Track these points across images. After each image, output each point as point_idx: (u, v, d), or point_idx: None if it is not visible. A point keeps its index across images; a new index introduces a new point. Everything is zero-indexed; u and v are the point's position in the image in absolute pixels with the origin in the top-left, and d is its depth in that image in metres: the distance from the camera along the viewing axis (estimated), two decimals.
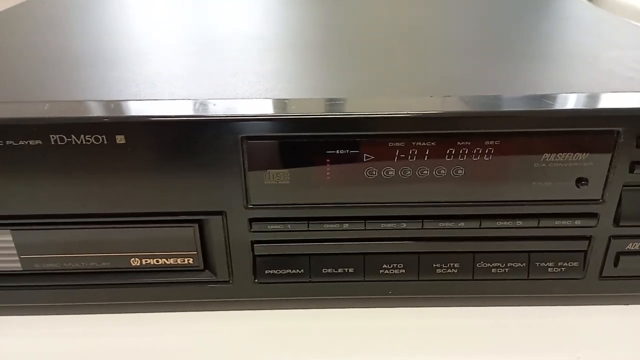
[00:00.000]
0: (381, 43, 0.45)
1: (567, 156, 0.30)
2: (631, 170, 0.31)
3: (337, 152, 0.30)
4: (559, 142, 0.30)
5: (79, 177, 0.30)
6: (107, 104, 0.30)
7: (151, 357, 0.32)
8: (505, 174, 0.31)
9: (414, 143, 0.30)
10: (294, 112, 0.29)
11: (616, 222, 0.33)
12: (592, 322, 0.35)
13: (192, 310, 0.35)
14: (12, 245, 0.33)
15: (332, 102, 0.31)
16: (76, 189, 0.31)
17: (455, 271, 0.34)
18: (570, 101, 0.31)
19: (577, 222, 0.33)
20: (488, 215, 0.32)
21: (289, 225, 0.33)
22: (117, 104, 0.30)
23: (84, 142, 0.29)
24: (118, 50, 0.41)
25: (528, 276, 0.34)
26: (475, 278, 0.34)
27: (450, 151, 0.30)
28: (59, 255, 0.33)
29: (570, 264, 0.34)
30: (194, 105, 0.30)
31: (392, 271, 0.34)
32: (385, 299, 0.36)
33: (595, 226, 0.33)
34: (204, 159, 0.30)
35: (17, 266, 0.33)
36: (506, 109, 0.30)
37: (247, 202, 0.32)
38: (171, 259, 0.34)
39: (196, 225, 0.32)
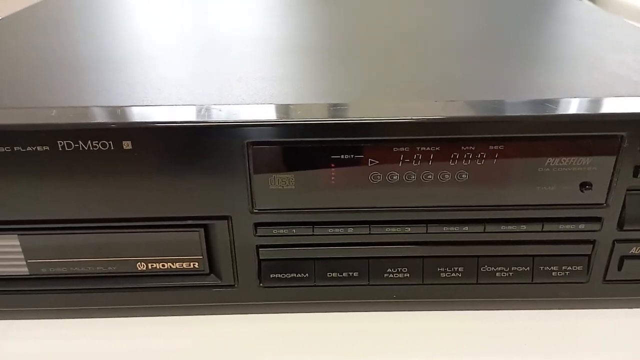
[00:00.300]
0: (385, 45, 0.45)
1: (571, 160, 0.30)
2: (635, 175, 0.31)
3: (342, 157, 0.30)
4: (562, 147, 0.30)
5: (86, 182, 0.31)
6: (113, 109, 0.31)
7: None
8: (509, 178, 0.31)
9: (418, 148, 0.30)
10: (299, 117, 0.30)
11: (620, 226, 0.33)
12: (596, 326, 0.35)
13: (198, 314, 0.35)
14: (20, 249, 0.33)
15: (336, 108, 0.31)
16: (83, 194, 0.31)
17: (460, 275, 0.34)
18: (574, 106, 0.31)
19: (581, 226, 0.33)
20: (492, 219, 0.33)
21: (294, 230, 0.33)
22: (124, 109, 0.31)
23: (91, 148, 0.29)
24: (124, 54, 0.41)
25: (532, 280, 0.34)
26: (479, 282, 0.34)
27: (455, 156, 0.30)
28: (65, 259, 0.33)
29: (574, 267, 0.34)
30: (200, 110, 0.30)
31: (396, 275, 0.34)
32: (390, 303, 0.36)
33: (599, 230, 0.33)
34: (210, 164, 0.30)
35: (24, 270, 0.34)
36: (510, 114, 0.30)
37: (252, 206, 0.32)
38: (177, 263, 0.34)
39: (202, 229, 0.33)
